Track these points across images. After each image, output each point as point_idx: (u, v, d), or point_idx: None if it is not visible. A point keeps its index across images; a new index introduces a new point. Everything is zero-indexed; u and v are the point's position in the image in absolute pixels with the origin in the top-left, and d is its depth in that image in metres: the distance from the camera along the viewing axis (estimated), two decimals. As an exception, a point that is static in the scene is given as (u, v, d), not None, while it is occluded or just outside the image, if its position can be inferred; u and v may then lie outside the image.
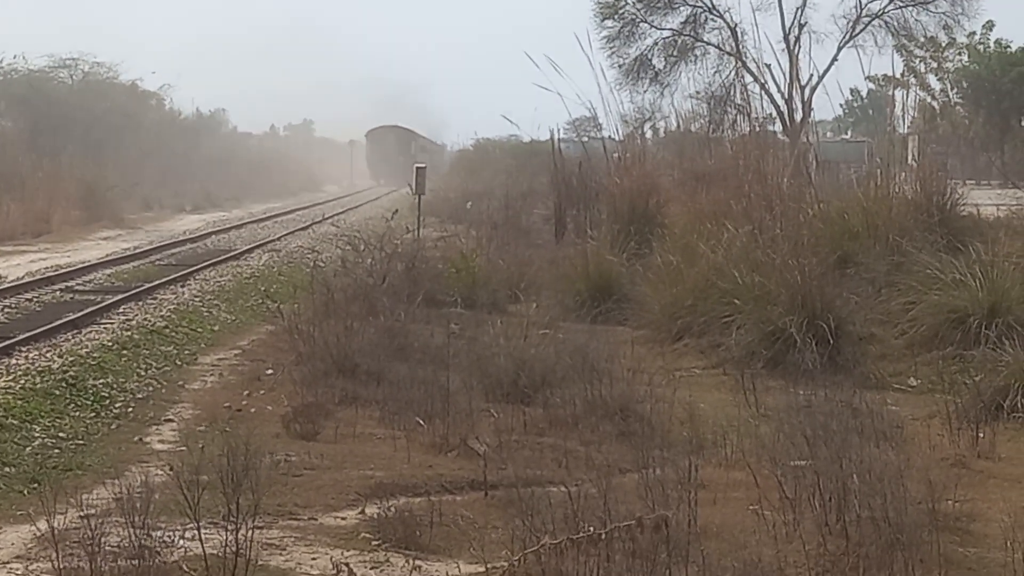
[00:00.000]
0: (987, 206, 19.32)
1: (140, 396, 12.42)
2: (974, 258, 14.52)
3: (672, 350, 15.25)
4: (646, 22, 33.62)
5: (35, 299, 18.53)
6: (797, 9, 32.83)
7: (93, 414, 11.46)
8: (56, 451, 10.07)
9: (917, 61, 37.40)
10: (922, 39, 34.80)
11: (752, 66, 30.65)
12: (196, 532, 6.97)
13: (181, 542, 7.29)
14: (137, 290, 19.28)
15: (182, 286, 20.54)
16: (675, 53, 33.65)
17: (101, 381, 12.59)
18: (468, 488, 8.89)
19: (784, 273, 14.39)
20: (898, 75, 32.41)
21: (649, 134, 33.10)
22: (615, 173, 22.81)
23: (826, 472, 7.52)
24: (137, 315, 16.82)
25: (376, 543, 7.63)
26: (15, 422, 10.62)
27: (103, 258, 25.02)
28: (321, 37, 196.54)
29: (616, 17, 33.38)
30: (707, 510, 7.80)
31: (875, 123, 48.48)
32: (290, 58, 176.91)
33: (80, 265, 23.23)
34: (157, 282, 20.50)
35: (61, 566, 6.75)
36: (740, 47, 32.26)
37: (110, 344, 14.38)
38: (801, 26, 32.40)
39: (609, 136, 28.00)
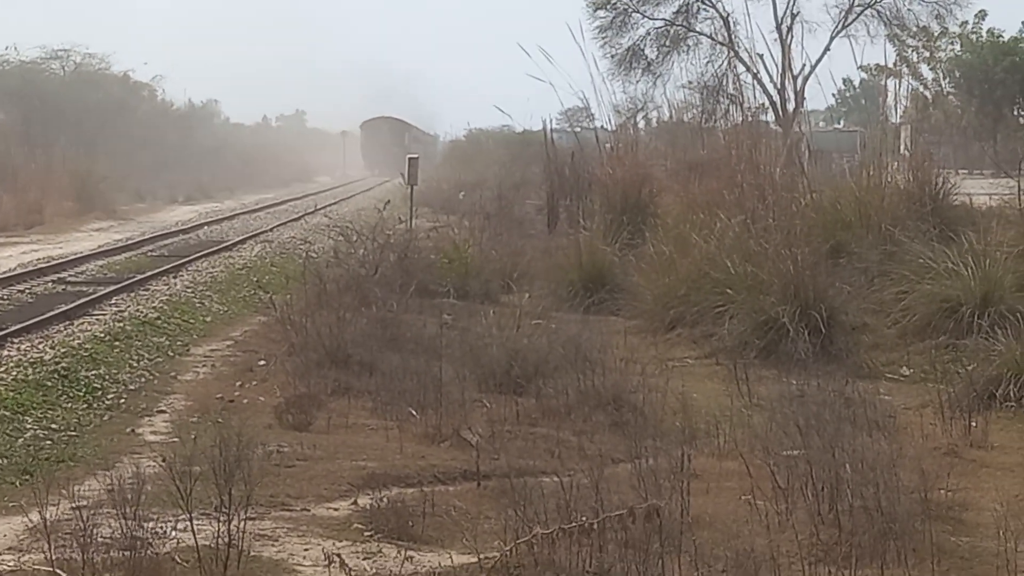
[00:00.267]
0: (979, 195, 19.33)
1: (132, 387, 12.41)
2: (966, 247, 14.53)
3: (665, 340, 15.26)
4: (638, 12, 33.62)
5: (27, 290, 18.53)
6: (789, -2, 32.86)
7: (85, 405, 11.45)
8: (48, 442, 10.05)
9: (910, 51, 37.40)
10: (914, 28, 34.80)
11: (745, 56, 30.69)
12: (188, 523, 6.97)
13: (173, 533, 7.27)
14: (129, 281, 19.28)
15: (174, 277, 20.52)
16: (667, 43, 33.64)
17: (93, 372, 12.57)
18: (461, 478, 8.89)
19: (777, 263, 14.39)
20: (891, 65, 32.53)
21: (642, 124, 33.18)
22: (608, 163, 22.81)
23: (819, 461, 7.53)
24: (129, 306, 16.80)
25: (368, 534, 7.62)
26: (7, 413, 10.62)
27: (95, 249, 24.98)
28: (311, 25, 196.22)
29: (608, 7, 33.36)
30: (700, 500, 7.81)
31: (868, 112, 48.65)
32: (282, 44, 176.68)
33: (72, 256, 23.24)
34: (149, 273, 20.49)
35: (54, 557, 6.74)
36: (732, 37, 32.30)
37: (102, 335, 14.37)
38: (793, 15, 32.39)
39: (602, 126, 28.07)
